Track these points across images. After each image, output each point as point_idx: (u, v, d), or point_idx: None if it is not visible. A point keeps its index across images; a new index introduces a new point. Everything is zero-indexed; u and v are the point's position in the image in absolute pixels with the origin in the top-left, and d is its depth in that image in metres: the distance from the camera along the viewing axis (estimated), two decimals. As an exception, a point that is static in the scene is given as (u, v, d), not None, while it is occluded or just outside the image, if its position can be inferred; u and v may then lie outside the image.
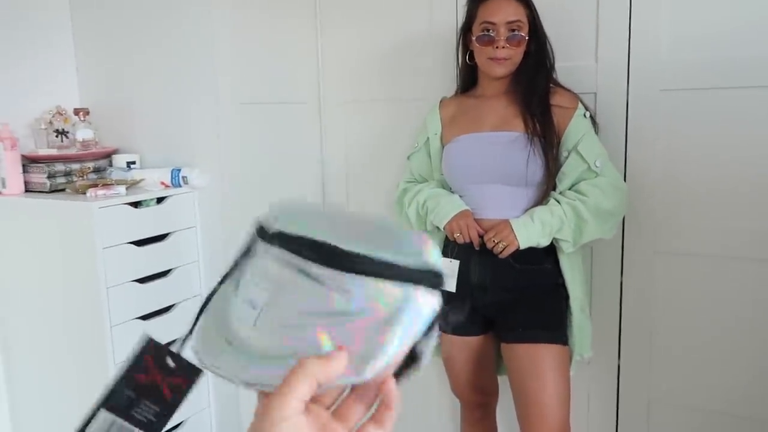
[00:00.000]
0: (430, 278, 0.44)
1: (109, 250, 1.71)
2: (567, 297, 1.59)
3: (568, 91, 1.61)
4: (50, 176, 1.86)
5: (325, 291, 0.45)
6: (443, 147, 1.69)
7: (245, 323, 0.49)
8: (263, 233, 0.51)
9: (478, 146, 1.60)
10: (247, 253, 0.53)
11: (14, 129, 1.90)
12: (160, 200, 1.87)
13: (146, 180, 1.91)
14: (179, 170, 1.90)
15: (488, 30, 1.55)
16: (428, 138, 1.72)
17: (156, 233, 1.85)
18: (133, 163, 2.02)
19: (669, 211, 1.71)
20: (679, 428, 1.79)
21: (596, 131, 1.62)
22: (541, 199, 1.56)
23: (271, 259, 0.50)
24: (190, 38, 1.89)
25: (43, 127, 1.99)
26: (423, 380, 2.05)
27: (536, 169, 1.53)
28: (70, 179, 1.91)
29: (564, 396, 1.51)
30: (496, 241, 1.50)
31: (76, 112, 2.00)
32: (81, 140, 1.98)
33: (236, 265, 0.53)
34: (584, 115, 1.58)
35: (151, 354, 0.55)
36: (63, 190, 1.89)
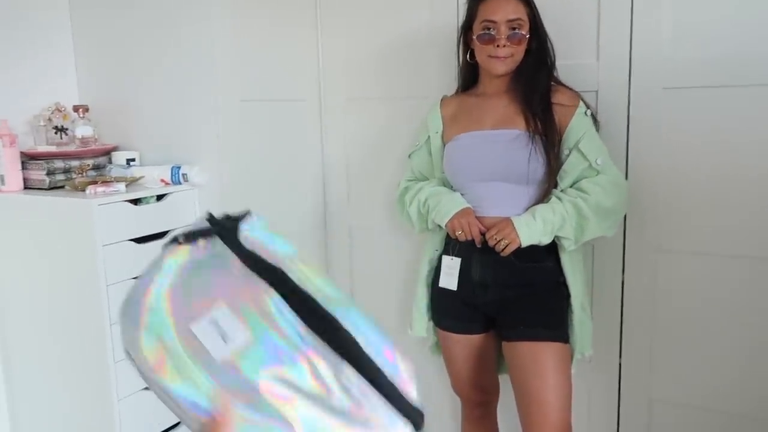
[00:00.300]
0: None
1: (109, 247, 1.70)
2: (568, 295, 1.59)
3: (569, 89, 1.61)
4: (49, 173, 1.85)
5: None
6: (444, 145, 1.69)
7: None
8: None
9: (480, 144, 1.60)
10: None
11: (13, 126, 1.90)
12: (160, 197, 1.86)
13: (146, 177, 1.91)
14: (179, 167, 1.89)
15: (489, 28, 1.55)
16: (429, 136, 1.72)
17: (156, 230, 1.84)
18: (133, 160, 2.01)
19: (670, 209, 1.70)
20: (680, 426, 1.79)
21: (597, 129, 1.62)
22: (543, 197, 1.55)
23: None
24: (191, 35, 1.88)
25: (42, 123, 1.98)
26: (423, 378, 2.04)
27: (537, 167, 1.53)
28: (69, 176, 1.90)
29: (565, 394, 1.51)
30: (497, 239, 1.50)
31: (76, 108, 1.99)
32: (80, 137, 1.97)
33: None
34: (585, 113, 1.58)
35: None
36: (62, 187, 1.88)
